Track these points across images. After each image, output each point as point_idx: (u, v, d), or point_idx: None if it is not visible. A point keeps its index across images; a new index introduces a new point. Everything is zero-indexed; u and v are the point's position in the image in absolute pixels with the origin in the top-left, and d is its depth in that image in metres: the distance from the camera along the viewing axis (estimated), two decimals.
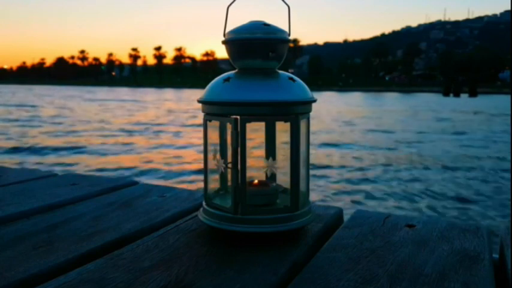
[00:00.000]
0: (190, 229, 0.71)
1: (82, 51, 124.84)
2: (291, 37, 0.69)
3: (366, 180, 5.85)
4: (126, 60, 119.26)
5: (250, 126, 0.64)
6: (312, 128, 0.72)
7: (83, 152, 8.02)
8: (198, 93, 0.71)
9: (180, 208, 0.82)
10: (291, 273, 0.56)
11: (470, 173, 6.50)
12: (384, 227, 0.73)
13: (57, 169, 5.65)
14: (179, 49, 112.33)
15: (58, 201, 0.86)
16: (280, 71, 0.69)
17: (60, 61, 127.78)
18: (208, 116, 0.68)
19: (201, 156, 0.71)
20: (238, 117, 0.63)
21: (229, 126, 0.65)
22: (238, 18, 0.70)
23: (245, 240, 0.65)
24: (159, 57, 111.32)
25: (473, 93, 45.82)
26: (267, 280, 0.53)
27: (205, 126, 0.69)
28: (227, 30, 0.68)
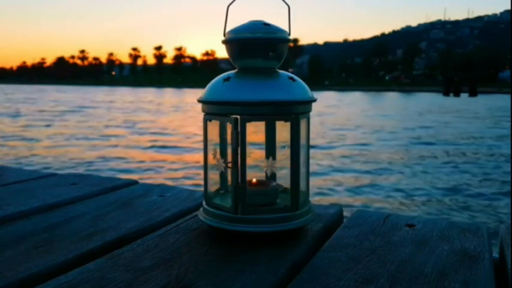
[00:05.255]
0: (191, 229, 0.71)
1: (82, 51, 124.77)
2: (291, 37, 0.69)
3: None
4: (126, 59, 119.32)
5: (250, 126, 0.64)
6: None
7: None
8: (199, 93, 0.71)
9: (180, 208, 0.82)
10: (291, 272, 0.56)
11: None
12: (384, 226, 0.73)
13: None
14: (179, 49, 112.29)
15: (58, 200, 0.86)
16: (281, 71, 0.69)
17: (60, 61, 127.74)
18: (209, 116, 0.68)
19: None
20: (239, 116, 0.63)
21: (229, 126, 0.65)
22: (238, 18, 0.70)
23: (245, 239, 0.65)
24: (159, 56, 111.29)
25: (473, 93, 45.80)
26: (267, 280, 0.53)
27: (205, 125, 0.69)
28: (227, 29, 0.68)
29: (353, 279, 0.54)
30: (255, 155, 0.73)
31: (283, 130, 0.67)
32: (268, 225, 0.64)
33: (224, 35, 0.68)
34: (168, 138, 9.93)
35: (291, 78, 0.67)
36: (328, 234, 0.69)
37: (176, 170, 6.54)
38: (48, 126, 12.47)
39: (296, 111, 0.65)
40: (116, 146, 8.82)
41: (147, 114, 17.53)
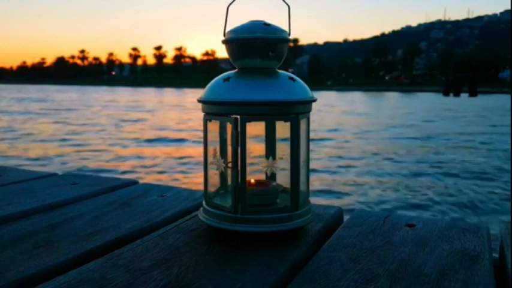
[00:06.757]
0: (190, 229, 0.71)
1: (82, 51, 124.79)
2: (291, 36, 0.69)
3: None
4: (126, 59, 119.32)
5: (250, 126, 0.64)
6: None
7: None
8: (199, 93, 0.71)
9: (180, 208, 0.82)
10: (291, 272, 0.56)
11: None
12: (384, 226, 0.73)
13: None
14: (179, 49, 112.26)
15: (58, 200, 0.86)
16: (280, 71, 0.69)
17: (60, 61, 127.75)
18: (209, 116, 0.68)
19: None
20: (239, 116, 0.63)
21: (229, 126, 0.65)
22: (238, 18, 0.70)
23: (245, 239, 0.65)
24: (159, 56, 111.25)
25: (473, 93, 45.80)
26: (267, 280, 0.53)
27: (205, 125, 0.69)
28: (227, 29, 0.68)
29: (353, 279, 0.54)
30: (255, 155, 0.73)
31: (283, 130, 0.67)
32: (268, 225, 0.64)
33: (224, 35, 0.68)
34: None
35: (291, 78, 0.67)
36: (328, 234, 0.69)
37: None
38: None
39: (296, 111, 0.65)
40: None
41: None
